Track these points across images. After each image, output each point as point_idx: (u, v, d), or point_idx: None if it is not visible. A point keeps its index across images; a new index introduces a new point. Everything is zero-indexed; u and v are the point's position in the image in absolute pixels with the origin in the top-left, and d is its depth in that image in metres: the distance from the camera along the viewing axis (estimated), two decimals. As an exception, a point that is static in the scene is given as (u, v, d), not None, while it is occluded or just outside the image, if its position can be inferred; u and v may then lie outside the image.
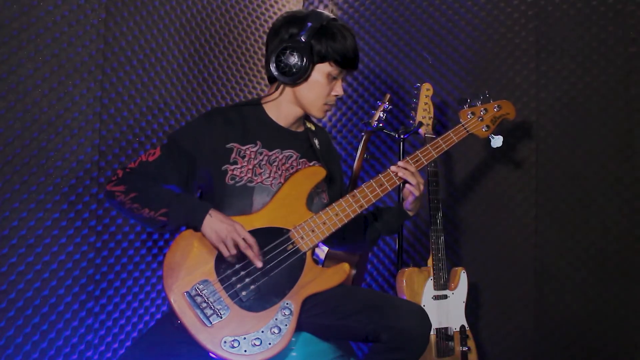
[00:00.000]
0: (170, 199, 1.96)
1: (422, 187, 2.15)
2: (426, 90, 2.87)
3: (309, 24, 2.05)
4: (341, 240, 2.32)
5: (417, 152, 2.18)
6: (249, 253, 1.93)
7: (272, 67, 2.07)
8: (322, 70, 2.10)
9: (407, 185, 2.15)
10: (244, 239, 1.93)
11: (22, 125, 2.34)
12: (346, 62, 2.11)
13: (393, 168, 2.12)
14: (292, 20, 2.10)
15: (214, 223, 1.93)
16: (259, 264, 1.94)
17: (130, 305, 2.71)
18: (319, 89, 2.12)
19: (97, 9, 2.55)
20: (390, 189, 2.12)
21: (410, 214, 2.24)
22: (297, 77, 2.06)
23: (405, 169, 2.12)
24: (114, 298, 2.63)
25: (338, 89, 2.15)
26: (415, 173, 2.12)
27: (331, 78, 2.12)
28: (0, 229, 2.29)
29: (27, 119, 2.36)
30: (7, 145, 2.31)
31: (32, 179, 2.38)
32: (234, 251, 1.92)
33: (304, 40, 2.04)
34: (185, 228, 1.99)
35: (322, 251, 2.90)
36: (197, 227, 1.95)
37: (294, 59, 2.05)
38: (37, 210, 2.39)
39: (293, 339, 2.05)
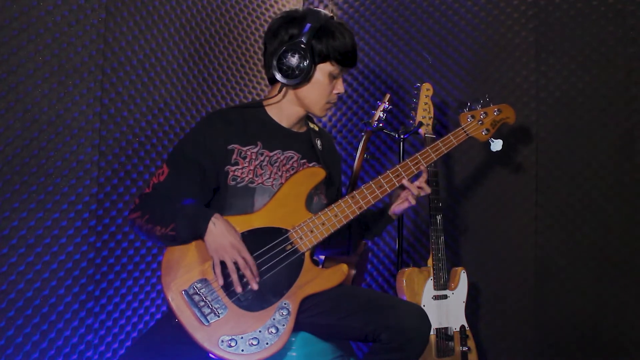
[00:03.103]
0: (175, 213, 1.94)
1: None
2: (426, 90, 2.87)
3: (309, 25, 2.04)
4: (325, 245, 2.31)
5: (417, 154, 2.18)
6: (247, 273, 1.91)
7: (274, 70, 2.06)
8: (323, 70, 2.10)
9: (409, 197, 2.17)
10: (243, 258, 1.91)
11: (22, 125, 2.34)
12: (346, 60, 2.11)
13: (413, 189, 2.15)
14: (291, 21, 2.09)
15: (217, 236, 1.91)
16: (255, 287, 1.92)
17: (130, 305, 2.71)
18: (321, 89, 2.12)
19: (97, 9, 2.55)
20: (390, 190, 2.12)
21: (394, 217, 2.26)
22: (300, 78, 2.06)
23: (422, 188, 2.16)
24: (114, 298, 2.63)
25: (339, 87, 2.15)
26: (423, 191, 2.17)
27: (332, 77, 2.12)
28: (0, 229, 2.29)
29: (27, 119, 2.36)
30: (7, 145, 2.31)
31: (32, 179, 2.38)
32: (232, 269, 1.90)
33: (304, 41, 2.04)
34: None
35: (322, 251, 2.90)
36: (201, 237, 1.93)
37: (296, 61, 2.04)
38: (37, 210, 2.39)
39: (293, 339, 2.05)
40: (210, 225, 1.91)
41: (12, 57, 2.32)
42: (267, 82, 2.26)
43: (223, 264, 1.92)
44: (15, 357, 2.32)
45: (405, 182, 2.13)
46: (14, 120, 2.32)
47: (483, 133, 2.32)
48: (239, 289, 1.91)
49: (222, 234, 1.91)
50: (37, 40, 2.38)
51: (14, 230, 2.33)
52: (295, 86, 2.10)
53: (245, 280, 1.93)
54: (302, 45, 2.03)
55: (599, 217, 2.97)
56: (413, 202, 2.16)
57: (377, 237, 2.43)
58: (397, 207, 2.22)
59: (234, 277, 1.90)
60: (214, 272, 1.92)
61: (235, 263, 1.90)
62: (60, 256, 2.45)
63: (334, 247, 2.35)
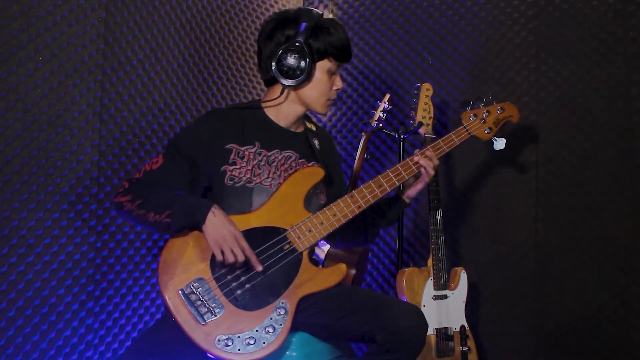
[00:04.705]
0: (172, 200, 1.95)
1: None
2: (426, 90, 2.87)
3: (304, 24, 2.05)
4: (343, 238, 2.32)
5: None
6: (253, 258, 1.93)
7: (275, 72, 2.06)
8: (322, 68, 2.11)
9: (422, 172, 2.16)
10: (242, 249, 1.92)
11: (22, 125, 2.34)
12: (343, 55, 2.14)
13: (416, 158, 2.13)
14: (285, 22, 2.09)
15: (217, 225, 1.92)
16: (260, 268, 1.94)
17: (130, 305, 2.71)
18: (321, 86, 2.13)
19: (97, 9, 2.55)
20: (389, 189, 2.12)
21: (408, 201, 2.25)
22: (302, 78, 2.07)
23: (430, 159, 2.14)
24: (114, 298, 2.63)
25: (338, 83, 2.17)
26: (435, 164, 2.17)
27: (331, 73, 2.14)
28: (0, 229, 2.29)
29: (27, 119, 2.36)
30: (7, 145, 2.31)
31: (32, 179, 2.38)
32: (231, 259, 1.91)
33: (302, 40, 2.05)
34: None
35: (322, 251, 2.90)
36: (199, 226, 1.94)
37: (295, 61, 2.05)
38: (37, 210, 2.39)
39: (292, 339, 2.05)
40: (210, 215, 1.92)
41: (12, 57, 2.32)
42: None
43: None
44: (15, 357, 2.32)
45: (417, 157, 2.14)
46: (14, 120, 2.32)
47: (485, 132, 2.31)
48: (259, 268, 1.93)
49: (223, 223, 1.92)
50: (37, 40, 2.38)
51: (14, 230, 2.33)
52: (297, 86, 2.11)
53: (245, 277, 1.93)
54: (300, 45, 2.04)
55: (599, 217, 2.96)
56: (427, 179, 2.16)
57: (391, 224, 2.44)
58: (412, 190, 2.20)
59: (236, 264, 1.92)
60: (217, 261, 1.93)
61: (235, 254, 1.91)
62: (60, 256, 2.45)
63: (350, 240, 2.34)
